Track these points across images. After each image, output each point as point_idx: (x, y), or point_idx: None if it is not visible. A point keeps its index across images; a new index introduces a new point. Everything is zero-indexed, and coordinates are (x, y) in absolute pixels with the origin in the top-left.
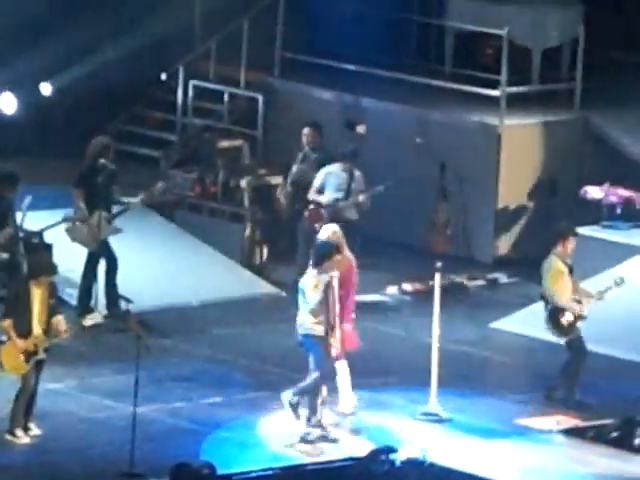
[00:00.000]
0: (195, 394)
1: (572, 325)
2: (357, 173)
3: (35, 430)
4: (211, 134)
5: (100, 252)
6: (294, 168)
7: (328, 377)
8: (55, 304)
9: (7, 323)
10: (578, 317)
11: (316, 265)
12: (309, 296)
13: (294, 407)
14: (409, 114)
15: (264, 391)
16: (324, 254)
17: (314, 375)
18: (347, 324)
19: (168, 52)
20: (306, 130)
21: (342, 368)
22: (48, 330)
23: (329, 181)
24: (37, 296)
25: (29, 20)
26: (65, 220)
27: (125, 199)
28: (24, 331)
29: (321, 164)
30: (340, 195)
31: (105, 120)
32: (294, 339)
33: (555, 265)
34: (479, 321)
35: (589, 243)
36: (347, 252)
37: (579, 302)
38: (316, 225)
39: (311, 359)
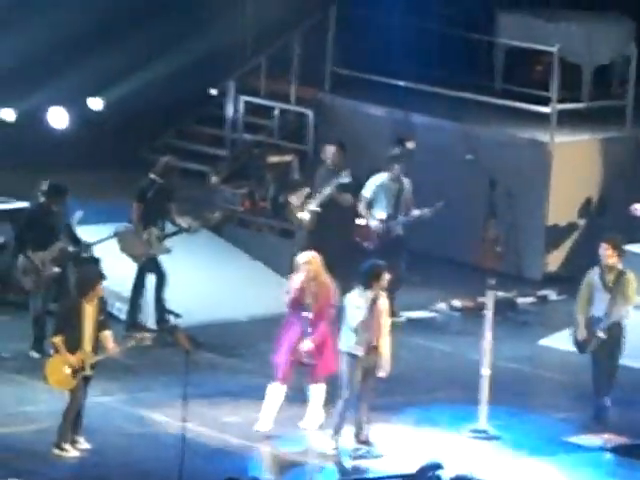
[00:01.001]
0: (243, 409)
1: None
2: (405, 181)
3: (84, 444)
4: (261, 149)
5: (149, 267)
6: (324, 189)
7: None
8: (104, 320)
9: (58, 339)
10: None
11: (366, 286)
12: (351, 314)
13: (336, 443)
14: (459, 130)
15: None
16: (372, 274)
17: (345, 394)
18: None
19: (218, 67)
20: (331, 149)
21: (320, 391)
22: (96, 347)
23: (379, 195)
24: (88, 313)
25: (80, 35)
26: (116, 235)
27: (181, 222)
28: (73, 347)
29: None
30: (390, 210)
31: (155, 135)
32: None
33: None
34: (528, 338)
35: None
36: (326, 279)
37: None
38: (365, 243)
39: (343, 377)
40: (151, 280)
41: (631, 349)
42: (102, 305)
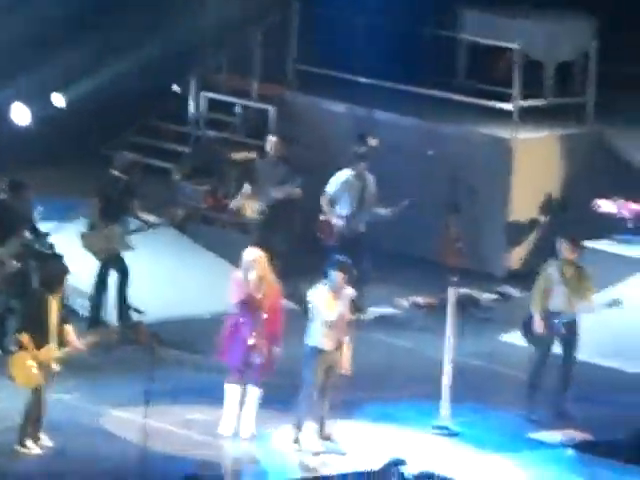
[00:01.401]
0: (206, 406)
1: None
2: (369, 177)
3: (46, 441)
4: (223, 146)
5: (112, 263)
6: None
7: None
8: (65, 314)
9: (24, 336)
10: None
11: (332, 280)
12: (323, 309)
13: (298, 442)
14: (421, 127)
15: (274, 404)
16: (336, 269)
17: (307, 390)
18: (277, 348)
19: (180, 64)
20: (273, 139)
21: (257, 394)
22: (61, 341)
23: (342, 192)
24: (53, 308)
25: (42, 31)
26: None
27: (145, 217)
28: (40, 343)
29: (286, 176)
30: (353, 207)
31: (117, 132)
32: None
33: None
34: (490, 334)
35: (601, 256)
36: (273, 279)
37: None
38: (326, 239)
39: (306, 372)
40: (113, 276)
41: (598, 346)
42: (63, 299)
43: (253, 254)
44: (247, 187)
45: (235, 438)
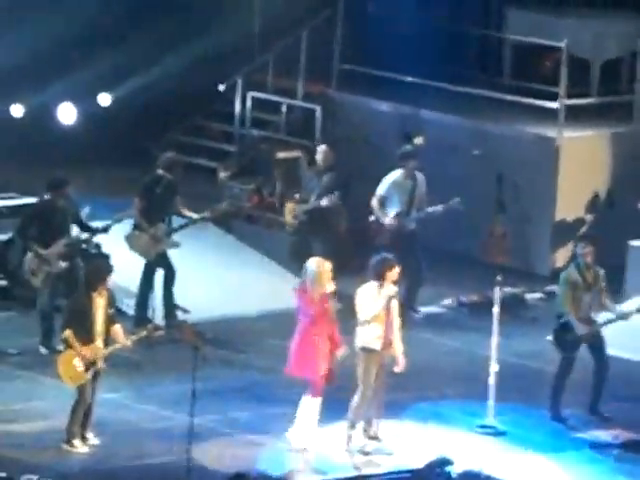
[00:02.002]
0: (252, 405)
1: None
2: (419, 177)
3: (93, 440)
4: (269, 145)
5: (158, 262)
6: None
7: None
8: (113, 314)
9: (69, 333)
10: None
11: (377, 279)
12: (366, 307)
13: (350, 438)
14: (467, 126)
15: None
16: (382, 268)
17: (361, 389)
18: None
19: (227, 63)
20: (323, 148)
21: (315, 405)
22: (107, 340)
23: (393, 192)
24: (98, 306)
25: (89, 30)
26: (117, 220)
27: (188, 213)
28: (85, 341)
29: (330, 186)
30: (404, 207)
31: (163, 131)
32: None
33: None
34: (536, 334)
35: None
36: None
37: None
38: (378, 239)
39: (360, 372)
40: (159, 275)
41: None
42: (111, 299)
43: (322, 265)
44: (296, 194)
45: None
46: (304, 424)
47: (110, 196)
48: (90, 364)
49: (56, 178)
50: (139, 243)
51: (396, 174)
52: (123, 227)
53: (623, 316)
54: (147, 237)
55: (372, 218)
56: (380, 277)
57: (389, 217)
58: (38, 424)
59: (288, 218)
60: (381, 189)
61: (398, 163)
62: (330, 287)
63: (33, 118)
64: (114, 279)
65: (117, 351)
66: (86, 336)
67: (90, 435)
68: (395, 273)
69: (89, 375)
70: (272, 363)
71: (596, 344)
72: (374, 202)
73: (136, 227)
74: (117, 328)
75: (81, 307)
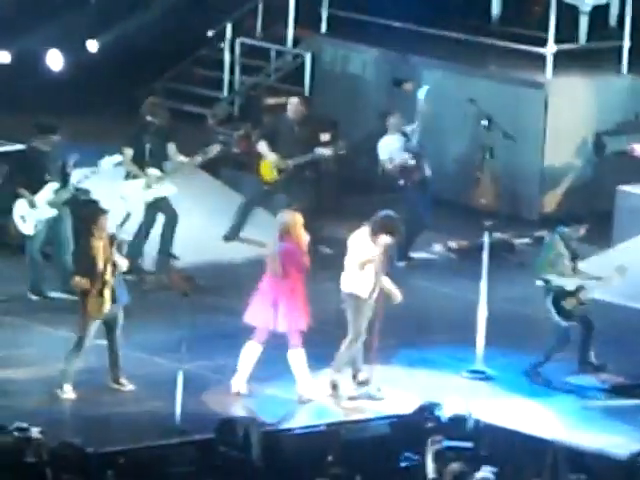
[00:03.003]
0: (239, 351)
1: None
2: (408, 129)
3: (128, 385)
4: (258, 91)
5: (159, 208)
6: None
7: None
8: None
9: (77, 278)
10: None
11: (375, 233)
12: (358, 254)
13: (336, 386)
14: (456, 71)
15: (308, 348)
16: (386, 227)
17: (351, 336)
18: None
19: (216, 9)
20: (294, 100)
21: (299, 356)
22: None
23: (394, 152)
24: (99, 249)
25: None
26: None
27: (181, 158)
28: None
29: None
30: (410, 157)
31: (152, 78)
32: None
33: None
34: (525, 279)
35: (636, 201)
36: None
37: None
38: (399, 180)
39: (349, 318)
40: (159, 222)
41: (632, 290)
42: (112, 241)
43: (295, 217)
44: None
45: (267, 383)
46: (245, 371)
47: (97, 144)
48: (102, 290)
49: (44, 123)
50: (133, 190)
51: (389, 137)
52: (111, 175)
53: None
54: (140, 184)
55: (391, 165)
56: (379, 233)
57: (405, 168)
58: (27, 371)
59: (267, 173)
60: (383, 154)
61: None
62: (305, 238)
63: (20, 65)
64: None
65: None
66: (94, 281)
67: (124, 380)
68: (396, 235)
69: (108, 300)
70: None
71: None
72: (388, 167)
73: (128, 175)
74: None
75: (86, 254)
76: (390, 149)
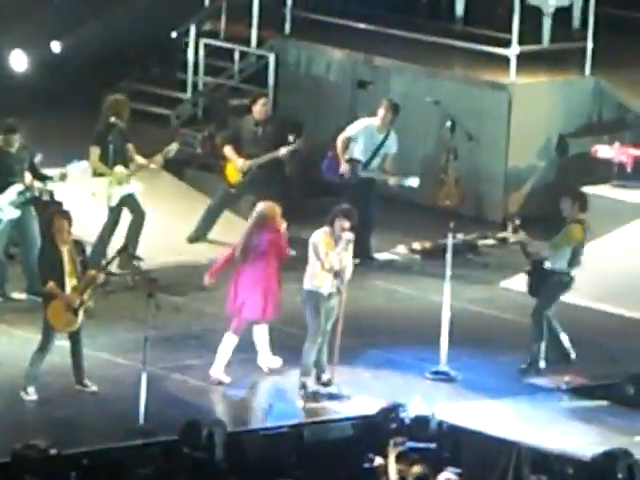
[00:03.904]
0: (205, 352)
1: None
2: (392, 135)
3: (92, 387)
4: (222, 93)
5: (125, 206)
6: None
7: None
8: (84, 261)
9: (50, 284)
10: None
11: (329, 224)
12: (323, 254)
13: (305, 386)
14: (420, 73)
15: (274, 350)
16: (334, 216)
17: (310, 333)
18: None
19: (179, 10)
20: (263, 101)
21: (263, 331)
22: (82, 285)
23: (361, 137)
24: (65, 253)
25: None
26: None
27: (140, 160)
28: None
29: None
30: (365, 157)
31: (116, 78)
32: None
33: None
34: (489, 280)
35: (600, 202)
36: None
37: None
38: (333, 177)
39: (307, 316)
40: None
41: (600, 292)
42: (78, 247)
43: (273, 207)
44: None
45: (230, 385)
46: (223, 360)
47: (62, 144)
48: (78, 306)
49: (6, 124)
50: (102, 188)
51: (372, 120)
52: (78, 175)
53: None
54: (107, 182)
55: (329, 154)
56: (330, 224)
57: (345, 162)
58: None
59: (233, 176)
60: (352, 129)
61: (379, 111)
62: (284, 226)
63: None
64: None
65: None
66: (60, 284)
67: (88, 382)
68: (344, 224)
69: (80, 317)
70: (223, 311)
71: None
72: (339, 141)
73: (95, 174)
74: (93, 273)
75: (49, 256)
76: (360, 129)
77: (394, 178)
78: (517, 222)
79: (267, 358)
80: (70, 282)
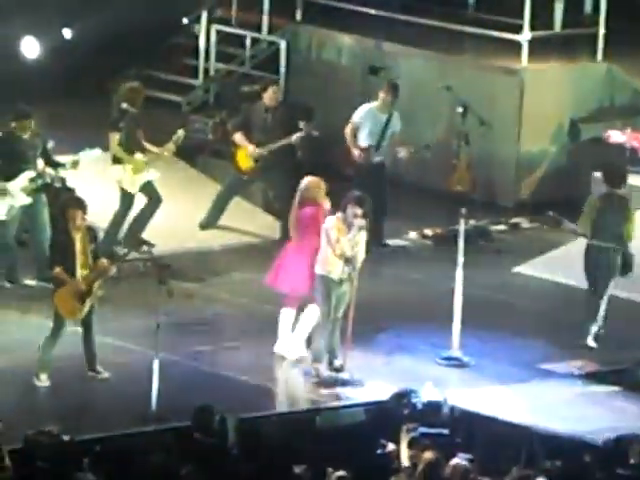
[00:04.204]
0: (216, 338)
1: None
2: (395, 114)
3: (104, 373)
4: (233, 79)
5: (144, 192)
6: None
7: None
8: (96, 249)
9: (58, 270)
10: None
11: (342, 210)
12: (334, 238)
13: (317, 372)
14: (431, 58)
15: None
16: (346, 202)
17: (320, 318)
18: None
19: None
20: (274, 88)
21: (289, 314)
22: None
23: (366, 122)
24: (78, 240)
25: None
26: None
27: (151, 148)
28: (70, 276)
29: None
30: (374, 140)
31: (127, 65)
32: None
33: None
34: (501, 266)
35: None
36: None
37: None
38: (346, 168)
39: (319, 300)
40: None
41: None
42: (91, 234)
43: (318, 183)
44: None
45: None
46: (286, 335)
47: (73, 131)
48: (84, 295)
49: (20, 110)
50: (123, 175)
51: (373, 104)
52: (90, 162)
53: None
54: (129, 168)
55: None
56: (343, 210)
57: (357, 149)
58: (2, 359)
59: (244, 162)
60: (356, 116)
61: (362, 96)
62: (327, 204)
63: None
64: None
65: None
66: (71, 271)
67: (100, 368)
68: (356, 211)
69: (87, 307)
70: (236, 297)
71: None
72: (347, 129)
73: (115, 160)
74: (104, 262)
75: (61, 243)
76: (364, 114)
77: (404, 149)
78: (552, 213)
79: (293, 344)
80: (82, 270)
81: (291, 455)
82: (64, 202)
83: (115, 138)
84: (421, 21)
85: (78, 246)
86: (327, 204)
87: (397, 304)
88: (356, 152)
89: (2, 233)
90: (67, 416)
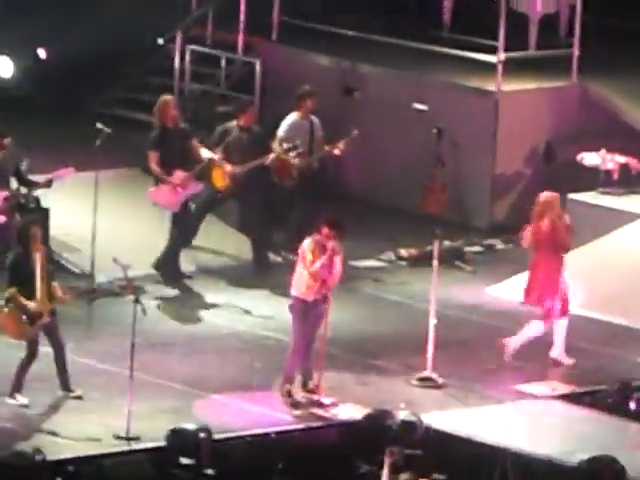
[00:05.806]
0: (190, 359)
1: None
2: (315, 120)
3: (77, 391)
4: (208, 99)
5: (185, 215)
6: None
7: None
8: (52, 269)
9: (13, 290)
10: None
11: (316, 232)
12: (309, 262)
13: (289, 391)
14: (406, 80)
15: (260, 355)
16: (321, 224)
17: (293, 339)
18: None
19: (166, 17)
20: (252, 109)
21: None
22: (49, 295)
23: (293, 134)
24: (37, 261)
25: None
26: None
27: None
28: (27, 298)
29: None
30: (305, 147)
31: (102, 85)
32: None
33: None
34: (475, 287)
35: (586, 209)
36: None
37: None
38: (286, 181)
39: (292, 323)
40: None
41: (591, 300)
42: (50, 254)
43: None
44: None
45: (219, 390)
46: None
47: (47, 150)
48: (36, 318)
49: None
50: (163, 195)
51: (292, 116)
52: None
53: None
54: (169, 188)
55: (271, 158)
56: (318, 231)
57: (293, 155)
58: None
59: (220, 180)
60: (280, 131)
61: (295, 104)
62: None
63: None
64: (53, 234)
65: (59, 305)
66: (28, 293)
67: (73, 388)
68: (329, 232)
69: (36, 329)
70: (211, 317)
71: None
72: (275, 145)
73: (156, 180)
74: (55, 285)
75: (19, 264)
76: (287, 128)
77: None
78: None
79: (559, 352)
80: (40, 288)
81: (265, 476)
82: (27, 220)
83: (153, 156)
84: (396, 42)
85: (38, 265)
86: (566, 217)
87: (372, 325)
88: (293, 161)
89: None
90: (40, 436)
